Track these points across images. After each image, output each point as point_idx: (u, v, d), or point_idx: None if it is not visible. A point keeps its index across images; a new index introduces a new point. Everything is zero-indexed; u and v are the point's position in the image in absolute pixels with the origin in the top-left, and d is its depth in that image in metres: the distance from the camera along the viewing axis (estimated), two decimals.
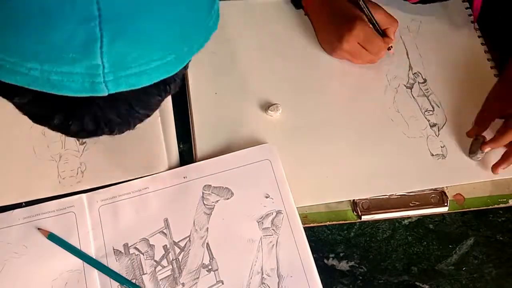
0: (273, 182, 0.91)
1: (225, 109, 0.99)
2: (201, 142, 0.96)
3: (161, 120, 0.97)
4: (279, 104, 0.97)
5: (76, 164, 0.94)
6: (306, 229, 0.89)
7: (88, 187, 0.92)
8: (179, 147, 0.97)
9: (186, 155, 0.96)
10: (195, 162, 0.94)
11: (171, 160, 0.94)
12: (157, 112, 0.94)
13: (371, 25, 0.97)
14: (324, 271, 0.88)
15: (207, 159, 0.93)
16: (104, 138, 0.92)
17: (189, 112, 0.99)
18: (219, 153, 0.94)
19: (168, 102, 0.99)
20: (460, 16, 1.09)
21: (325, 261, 0.89)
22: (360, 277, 0.88)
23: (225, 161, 0.93)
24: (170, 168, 0.94)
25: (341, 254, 0.90)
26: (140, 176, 0.92)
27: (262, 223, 0.88)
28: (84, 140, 0.95)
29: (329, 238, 0.91)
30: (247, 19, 1.08)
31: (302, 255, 0.86)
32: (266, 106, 0.97)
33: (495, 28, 1.06)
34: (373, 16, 0.96)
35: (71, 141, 0.95)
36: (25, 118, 0.93)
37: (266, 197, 0.90)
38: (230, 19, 1.07)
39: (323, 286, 0.86)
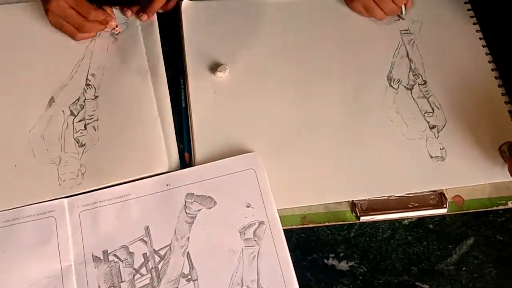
0: (257, 192, 0.93)
1: (225, 108, 1.01)
2: (200, 141, 0.98)
3: (161, 120, 1.00)
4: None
5: (76, 166, 0.96)
6: (306, 229, 0.93)
7: (89, 189, 0.94)
8: (178, 147, 0.99)
9: (184, 154, 1.00)
10: (194, 161, 0.96)
11: (171, 160, 0.97)
12: (156, 113, 0.98)
13: None
14: (324, 271, 0.90)
15: (205, 158, 0.96)
16: (103, 138, 0.96)
17: (188, 111, 1.02)
18: (217, 152, 0.96)
19: (166, 102, 1.02)
20: (461, 18, 1.12)
21: (325, 261, 0.91)
22: (360, 277, 0.90)
23: (209, 170, 0.94)
24: (170, 168, 0.96)
25: (341, 254, 0.92)
26: (140, 176, 0.95)
27: (244, 233, 0.90)
28: (83, 142, 0.98)
29: (329, 238, 0.93)
30: (248, 18, 1.11)
31: (283, 267, 0.87)
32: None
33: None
34: None
35: (71, 144, 0.98)
36: (24, 122, 0.99)
37: (249, 207, 0.91)
38: (231, 18, 1.11)
39: (323, 286, 0.89)
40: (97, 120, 1.01)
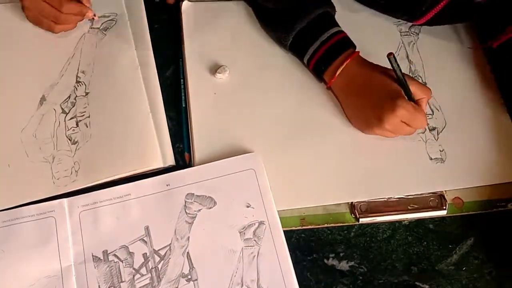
0: (257, 192, 0.96)
1: (225, 109, 1.05)
2: (200, 141, 1.02)
3: (152, 115, 1.03)
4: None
5: (69, 163, 0.99)
6: (306, 229, 0.96)
7: (84, 186, 0.97)
8: (178, 147, 1.03)
9: (184, 154, 1.03)
10: (193, 161, 1.00)
11: (165, 155, 1.01)
12: (147, 108, 1.02)
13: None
14: (324, 271, 0.94)
15: (205, 158, 0.99)
16: (96, 134, 1.00)
17: (188, 112, 1.05)
18: (217, 152, 1.00)
19: (158, 96, 1.06)
20: None
21: (325, 261, 0.95)
22: (360, 277, 0.94)
23: (209, 170, 0.98)
24: (165, 163, 1.00)
25: (341, 254, 0.95)
26: (134, 172, 0.98)
27: (244, 233, 0.93)
28: (76, 139, 1.02)
29: (329, 238, 0.97)
30: (248, 20, 1.15)
31: (283, 267, 0.91)
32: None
33: None
34: (409, 89, 0.95)
35: (63, 141, 1.01)
36: (16, 121, 1.02)
37: (249, 207, 0.95)
38: (231, 19, 1.14)
39: (323, 286, 0.92)
40: (89, 117, 1.04)
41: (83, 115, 1.05)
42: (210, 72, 1.08)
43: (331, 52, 1.02)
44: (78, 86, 1.08)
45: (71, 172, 0.99)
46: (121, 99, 1.06)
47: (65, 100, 1.06)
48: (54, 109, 1.05)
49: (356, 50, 1.02)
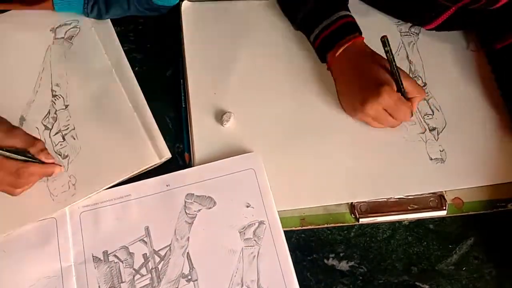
0: (257, 191, 0.97)
1: (224, 109, 1.05)
2: (200, 141, 1.03)
3: (137, 114, 1.04)
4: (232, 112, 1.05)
5: (65, 179, 0.99)
6: (306, 229, 0.97)
7: (84, 198, 0.97)
8: (178, 147, 1.04)
9: (184, 154, 1.04)
10: (193, 161, 1.00)
11: (159, 150, 1.01)
12: (131, 108, 1.03)
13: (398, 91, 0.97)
14: (324, 271, 0.95)
15: (205, 158, 1.00)
16: (85, 145, 0.99)
17: (188, 111, 1.06)
18: (217, 152, 1.01)
19: (138, 95, 1.06)
20: None
21: (325, 261, 0.96)
22: (360, 277, 0.95)
23: (209, 170, 0.98)
24: (160, 157, 1.00)
25: (341, 254, 0.96)
26: (134, 172, 0.99)
27: (244, 233, 0.94)
28: (65, 153, 1.01)
29: (329, 238, 0.97)
30: (247, 20, 1.15)
31: (283, 267, 0.92)
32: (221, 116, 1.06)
33: None
34: (400, 78, 0.97)
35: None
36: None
37: (249, 207, 0.95)
38: (231, 19, 1.15)
39: (323, 286, 0.93)
40: (74, 129, 1.04)
41: (68, 128, 1.04)
42: (210, 72, 1.09)
43: (337, 33, 1.04)
44: (55, 100, 1.07)
45: (69, 187, 0.99)
46: (102, 104, 1.06)
47: (45, 116, 1.05)
48: (37, 128, 1.04)
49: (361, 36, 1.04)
